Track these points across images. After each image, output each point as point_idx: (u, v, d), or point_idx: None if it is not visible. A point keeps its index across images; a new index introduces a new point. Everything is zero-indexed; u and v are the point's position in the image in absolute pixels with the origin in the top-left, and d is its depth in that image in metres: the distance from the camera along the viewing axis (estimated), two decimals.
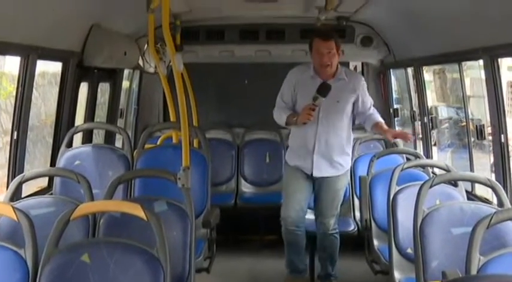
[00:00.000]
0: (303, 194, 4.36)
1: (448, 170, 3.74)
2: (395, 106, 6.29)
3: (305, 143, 4.27)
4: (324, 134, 4.23)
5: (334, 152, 4.26)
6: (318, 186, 4.36)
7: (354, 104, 4.30)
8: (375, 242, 4.17)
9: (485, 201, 3.85)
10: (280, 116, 4.31)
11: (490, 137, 3.93)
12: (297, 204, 4.34)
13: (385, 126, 4.25)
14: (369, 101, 4.37)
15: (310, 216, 4.54)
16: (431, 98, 5.47)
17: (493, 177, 3.75)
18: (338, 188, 4.37)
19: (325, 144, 4.24)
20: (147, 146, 4.67)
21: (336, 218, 4.42)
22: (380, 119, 4.31)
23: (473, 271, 2.34)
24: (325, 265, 4.50)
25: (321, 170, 4.28)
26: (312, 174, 4.29)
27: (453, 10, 3.74)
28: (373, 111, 4.36)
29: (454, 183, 3.59)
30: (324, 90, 4.04)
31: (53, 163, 4.45)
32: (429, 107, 5.43)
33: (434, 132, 5.49)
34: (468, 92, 4.79)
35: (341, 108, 4.24)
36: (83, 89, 4.91)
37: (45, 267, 2.47)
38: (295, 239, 4.40)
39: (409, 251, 3.40)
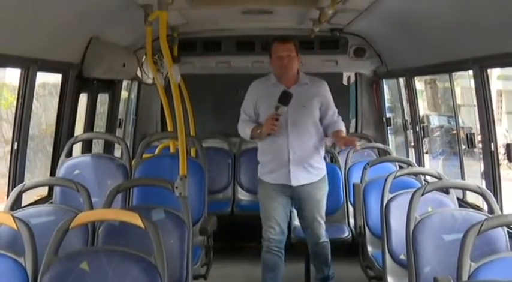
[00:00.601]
0: (282, 214, 4.14)
1: (439, 178, 3.74)
2: (388, 115, 6.31)
3: (279, 154, 4.05)
4: (296, 141, 4.03)
5: (309, 157, 4.08)
6: (297, 198, 4.15)
7: (319, 109, 4.14)
8: (369, 248, 4.15)
9: (476, 208, 3.86)
10: (244, 130, 4.11)
11: (481, 145, 3.93)
12: (277, 226, 4.10)
13: (342, 134, 4.08)
14: (332, 107, 4.19)
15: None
16: (423, 107, 5.49)
17: (483, 184, 3.75)
18: (318, 198, 4.17)
19: (300, 151, 4.04)
20: (145, 155, 4.66)
21: (324, 226, 4.24)
22: (341, 127, 4.15)
23: (465, 277, 2.33)
24: (321, 269, 4.38)
25: (298, 178, 4.06)
26: (290, 185, 4.07)
27: (444, 22, 3.76)
28: (337, 118, 4.20)
29: (445, 190, 3.59)
30: (285, 98, 3.85)
31: (52, 172, 4.44)
32: (421, 116, 5.44)
33: (426, 141, 5.51)
34: (459, 101, 4.81)
35: (308, 112, 4.08)
36: (82, 99, 4.91)
37: (45, 275, 2.46)
38: (276, 262, 4.14)
39: (402, 257, 3.40)
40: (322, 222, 4.23)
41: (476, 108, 3.84)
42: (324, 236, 4.26)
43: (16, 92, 3.90)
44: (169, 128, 4.95)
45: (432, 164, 6.35)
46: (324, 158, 5.50)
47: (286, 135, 4.01)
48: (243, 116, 4.16)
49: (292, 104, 3.89)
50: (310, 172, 4.11)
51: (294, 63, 4.04)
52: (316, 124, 4.14)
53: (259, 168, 4.21)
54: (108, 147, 5.53)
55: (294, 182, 4.07)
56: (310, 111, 4.09)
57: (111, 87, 5.52)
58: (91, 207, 3.39)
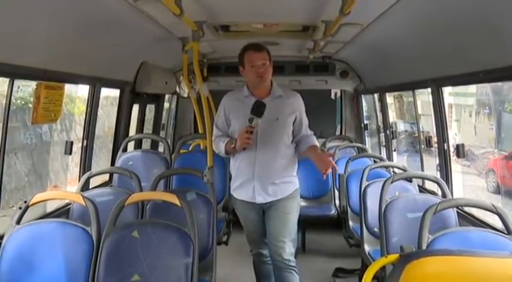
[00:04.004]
0: (260, 230, 3.02)
1: (404, 170, 3.71)
2: (365, 122, 6.27)
3: (245, 169, 2.90)
4: (264, 157, 2.87)
5: (275, 175, 2.89)
6: (266, 212, 2.96)
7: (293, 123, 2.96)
8: (350, 223, 4.13)
9: (433, 193, 3.81)
10: (218, 146, 2.94)
11: (436, 145, 3.89)
12: (260, 240, 3.07)
13: (318, 151, 2.87)
14: (305, 121, 2.99)
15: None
16: (392, 116, 5.42)
17: (438, 175, 3.71)
18: (287, 211, 2.91)
19: (266, 168, 2.88)
20: (181, 151, 4.66)
21: (291, 247, 2.91)
22: (315, 143, 2.94)
23: (424, 246, 2.31)
24: None
25: (263, 195, 2.90)
26: (254, 203, 2.94)
27: (408, 51, 3.72)
28: (310, 132, 3.00)
29: (409, 179, 3.56)
30: (258, 109, 2.75)
31: (112, 163, 4.46)
32: (390, 123, 5.39)
33: (394, 141, 5.45)
34: (419, 111, 4.75)
35: (281, 126, 2.90)
36: (135, 108, 4.93)
37: (106, 240, 2.47)
38: (266, 269, 3.13)
39: (376, 230, 3.36)
40: (289, 242, 2.91)
41: (433, 117, 3.80)
42: (290, 259, 2.90)
43: (86, 102, 3.93)
44: (200, 130, 4.94)
45: (399, 159, 6.28)
46: None
47: (254, 149, 2.86)
48: (215, 131, 2.99)
49: (265, 117, 2.78)
50: (275, 190, 2.91)
51: (269, 72, 2.92)
52: (288, 140, 2.94)
53: (231, 182, 3.04)
54: (154, 145, 5.54)
55: (259, 199, 2.91)
56: (283, 125, 2.91)
57: (157, 99, 5.53)
58: (141, 190, 3.39)
